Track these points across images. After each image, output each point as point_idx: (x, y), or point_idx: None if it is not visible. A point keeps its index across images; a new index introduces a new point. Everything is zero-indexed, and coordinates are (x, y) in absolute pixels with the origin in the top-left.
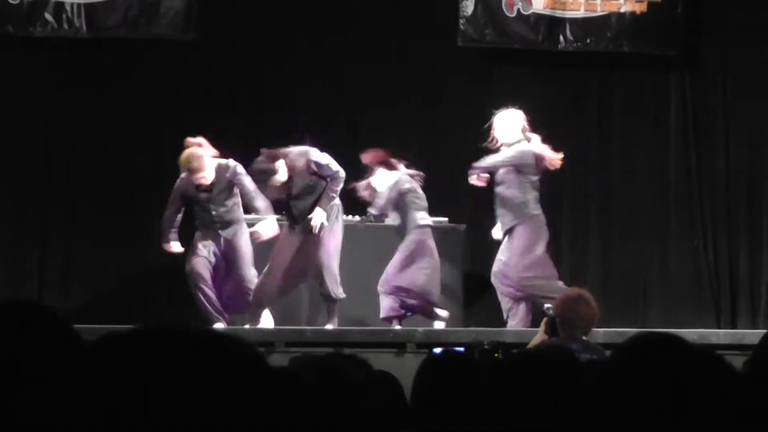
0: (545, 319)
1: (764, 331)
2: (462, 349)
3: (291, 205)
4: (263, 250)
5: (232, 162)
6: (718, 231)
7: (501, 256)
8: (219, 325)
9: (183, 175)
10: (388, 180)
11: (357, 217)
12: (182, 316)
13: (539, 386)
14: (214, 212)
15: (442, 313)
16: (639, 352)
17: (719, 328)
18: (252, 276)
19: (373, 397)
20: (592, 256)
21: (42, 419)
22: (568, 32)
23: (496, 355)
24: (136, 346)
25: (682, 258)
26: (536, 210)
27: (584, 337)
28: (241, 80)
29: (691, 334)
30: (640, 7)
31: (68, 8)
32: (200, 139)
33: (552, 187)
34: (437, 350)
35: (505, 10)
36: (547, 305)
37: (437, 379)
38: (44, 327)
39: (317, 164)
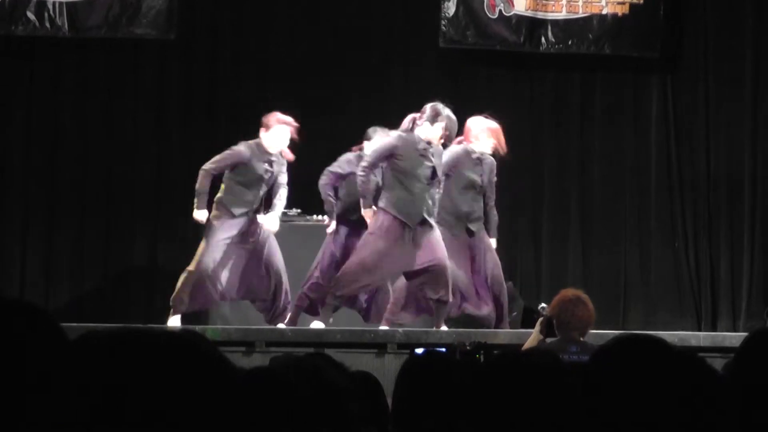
0: (540, 319)
1: (745, 334)
2: (444, 349)
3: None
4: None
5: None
6: (698, 233)
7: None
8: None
9: (255, 142)
10: None
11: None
12: (161, 315)
13: (521, 387)
14: (261, 195)
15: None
16: (620, 353)
17: (700, 330)
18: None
19: (353, 397)
20: (573, 257)
21: (23, 416)
22: (549, 34)
23: (477, 356)
24: (113, 345)
25: (662, 260)
26: None
27: (582, 339)
28: (222, 80)
29: (671, 336)
30: (621, 9)
31: (50, 7)
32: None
33: (533, 188)
34: (419, 351)
35: (486, 12)
36: (541, 305)
37: (419, 379)
38: (33, 326)
39: None
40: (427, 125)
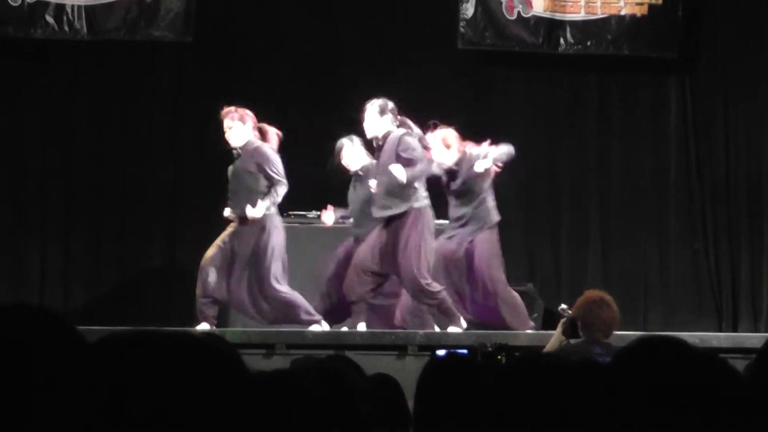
0: (562, 320)
1: (766, 334)
2: (465, 351)
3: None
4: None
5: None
6: (719, 234)
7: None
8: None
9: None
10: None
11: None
12: (182, 317)
13: (542, 389)
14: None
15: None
16: (643, 355)
17: (720, 331)
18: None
19: (373, 399)
20: (592, 259)
21: (44, 418)
22: (568, 35)
23: (499, 357)
24: (131, 348)
25: (683, 261)
26: None
27: (605, 340)
28: (239, 83)
29: (692, 337)
30: (640, 10)
31: (69, 10)
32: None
33: (551, 190)
34: (440, 352)
35: (505, 13)
36: (562, 306)
37: (440, 381)
38: (48, 330)
39: None
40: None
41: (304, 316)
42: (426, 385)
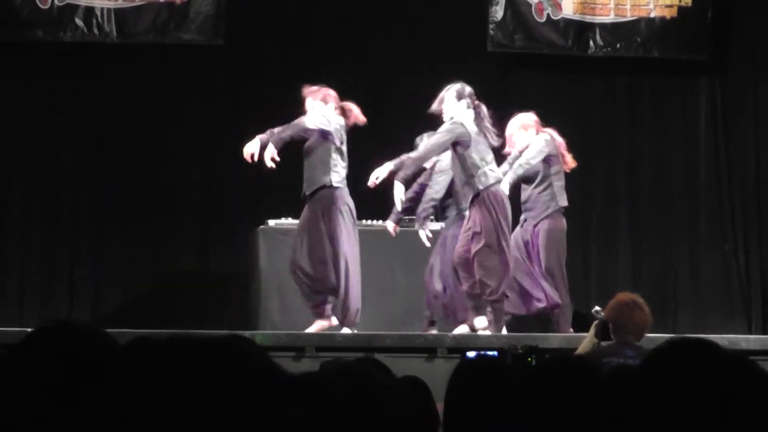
0: (595, 322)
1: None
2: (495, 353)
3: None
4: None
5: None
6: (749, 235)
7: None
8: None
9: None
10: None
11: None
12: (212, 320)
13: (571, 391)
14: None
15: None
16: (673, 356)
17: (750, 333)
18: None
19: (402, 402)
20: (622, 261)
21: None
22: (597, 37)
23: (529, 359)
24: (163, 351)
25: (712, 263)
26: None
27: (637, 343)
28: (269, 85)
29: (721, 339)
30: (669, 12)
31: (98, 13)
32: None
33: (581, 192)
34: (470, 354)
35: (534, 15)
36: (596, 308)
37: (470, 383)
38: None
39: None
40: None
41: None
42: (456, 388)
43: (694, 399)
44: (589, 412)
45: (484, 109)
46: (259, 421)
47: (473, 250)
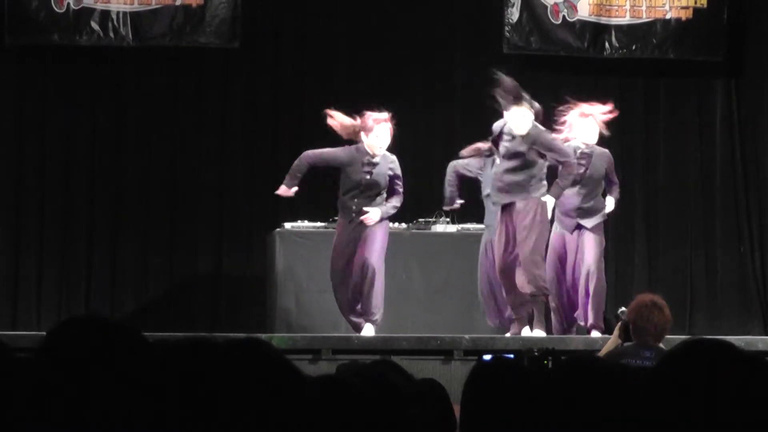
0: (619, 323)
1: None
2: (512, 355)
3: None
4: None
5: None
6: (764, 236)
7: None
8: (369, 329)
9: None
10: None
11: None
12: (228, 323)
13: (588, 393)
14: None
15: None
16: (689, 357)
17: (766, 334)
18: None
19: (419, 404)
20: (638, 262)
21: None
22: (613, 39)
23: (545, 362)
24: (180, 354)
25: (728, 264)
26: None
27: (659, 344)
28: (285, 88)
29: (738, 340)
30: (685, 14)
31: (114, 17)
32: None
33: None
34: (487, 357)
35: (550, 17)
36: (621, 309)
37: (487, 386)
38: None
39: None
40: None
41: None
42: (472, 390)
43: (710, 400)
44: (605, 414)
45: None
46: (278, 424)
47: None
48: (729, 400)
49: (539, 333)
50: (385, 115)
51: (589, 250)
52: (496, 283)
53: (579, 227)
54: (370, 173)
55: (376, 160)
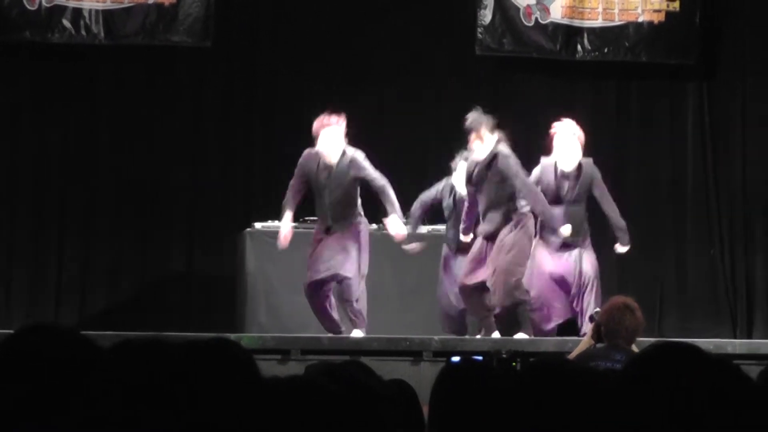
0: (593, 324)
1: None
2: (480, 357)
3: None
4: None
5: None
6: (734, 240)
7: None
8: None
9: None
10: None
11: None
12: (199, 323)
13: (555, 394)
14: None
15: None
16: (656, 360)
17: (735, 337)
18: None
19: (388, 404)
20: (608, 264)
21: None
22: (586, 41)
23: (513, 363)
24: (146, 354)
25: (698, 267)
26: None
27: (631, 346)
28: (258, 87)
29: (707, 343)
30: (658, 17)
31: (86, 14)
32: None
33: None
34: (455, 358)
35: (523, 19)
36: (596, 310)
37: (455, 387)
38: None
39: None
40: None
41: None
42: (441, 391)
43: (677, 403)
44: (572, 416)
45: None
46: (244, 424)
47: None
48: (696, 403)
49: (523, 337)
50: (333, 119)
51: (586, 263)
52: (455, 296)
53: (568, 246)
54: (328, 176)
55: (329, 161)
